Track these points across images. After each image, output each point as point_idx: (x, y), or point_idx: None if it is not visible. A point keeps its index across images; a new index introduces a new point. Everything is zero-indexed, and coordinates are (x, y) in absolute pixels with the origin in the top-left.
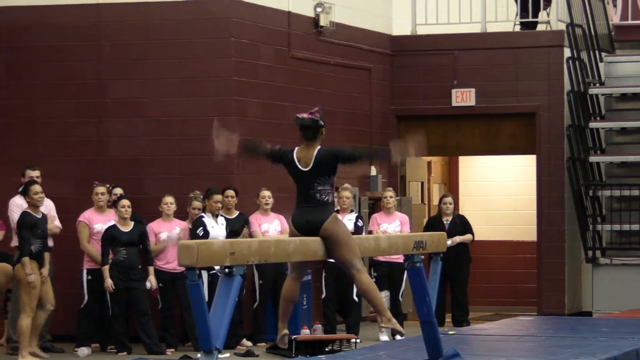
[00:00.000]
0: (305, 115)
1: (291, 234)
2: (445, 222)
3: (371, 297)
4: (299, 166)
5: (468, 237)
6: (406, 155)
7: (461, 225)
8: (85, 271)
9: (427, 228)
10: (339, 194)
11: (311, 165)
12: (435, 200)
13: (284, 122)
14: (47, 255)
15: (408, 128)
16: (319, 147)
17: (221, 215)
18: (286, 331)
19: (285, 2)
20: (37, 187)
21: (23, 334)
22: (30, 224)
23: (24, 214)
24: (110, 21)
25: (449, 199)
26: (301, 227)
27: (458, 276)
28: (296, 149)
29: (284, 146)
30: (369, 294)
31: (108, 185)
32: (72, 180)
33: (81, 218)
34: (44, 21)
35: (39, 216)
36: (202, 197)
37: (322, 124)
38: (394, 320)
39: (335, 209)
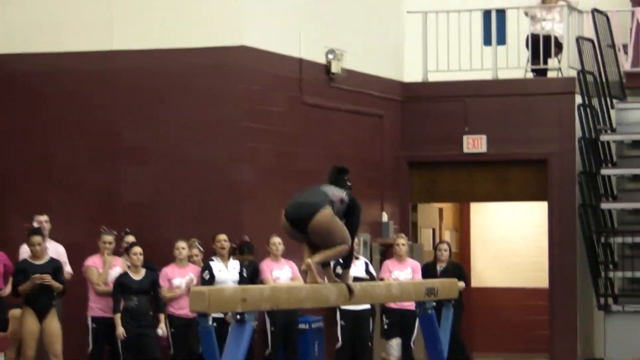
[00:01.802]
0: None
1: (283, 225)
2: (438, 268)
3: (332, 250)
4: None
5: (461, 284)
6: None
7: (454, 272)
8: (90, 318)
9: (423, 274)
10: None
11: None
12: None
13: (295, 169)
14: (53, 309)
15: (419, 174)
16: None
17: (234, 259)
18: (309, 260)
19: (297, 49)
20: (35, 239)
21: None
22: (21, 270)
23: (18, 262)
24: (123, 68)
25: (444, 245)
26: (292, 218)
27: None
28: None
29: None
30: (335, 249)
31: (115, 233)
32: (84, 225)
33: (88, 262)
34: (58, 68)
35: (38, 263)
36: (197, 242)
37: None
38: (313, 269)
39: None
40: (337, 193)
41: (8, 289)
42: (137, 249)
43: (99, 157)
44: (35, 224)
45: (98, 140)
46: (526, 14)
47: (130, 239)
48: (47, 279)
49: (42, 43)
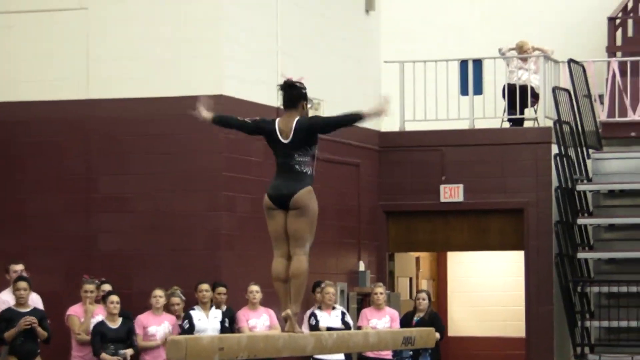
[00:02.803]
0: (291, 77)
1: (265, 207)
2: (415, 318)
3: (298, 284)
4: (280, 138)
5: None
6: (379, 113)
7: (430, 323)
8: None
9: (403, 323)
10: (322, 290)
11: (291, 136)
12: None
13: None
14: (38, 358)
15: (396, 223)
16: (297, 117)
17: (216, 309)
18: (288, 311)
19: (274, 98)
20: (21, 284)
21: None
22: (7, 319)
23: (3, 310)
24: (100, 116)
25: (423, 295)
26: (275, 198)
27: None
28: (277, 119)
29: (263, 117)
30: (298, 278)
31: (97, 282)
32: (60, 275)
33: (70, 312)
34: (34, 116)
35: (23, 311)
36: (179, 291)
37: (305, 92)
38: (292, 319)
39: (318, 305)
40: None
41: None
42: (114, 298)
43: (75, 205)
44: (13, 274)
45: (74, 189)
46: (502, 53)
47: (107, 287)
48: (35, 322)
49: (16, 91)
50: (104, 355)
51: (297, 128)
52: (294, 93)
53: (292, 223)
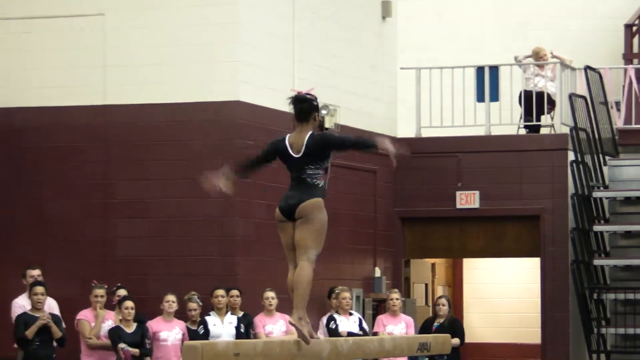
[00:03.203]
0: (301, 91)
1: (277, 220)
2: (435, 324)
3: (299, 289)
4: (291, 152)
5: (455, 341)
6: (394, 149)
7: (450, 328)
8: None
9: (423, 329)
10: (338, 295)
11: (302, 151)
12: None
13: None
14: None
15: (412, 230)
16: (310, 132)
17: (231, 314)
18: (290, 319)
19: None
20: (37, 289)
21: None
22: (23, 322)
23: (20, 314)
24: (117, 122)
25: (443, 300)
26: (284, 209)
27: None
28: (288, 135)
29: (272, 140)
30: (300, 285)
31: (106, 286)
32: (77, 280)
33: (79, 316)
34: (53, 122)
35: (39, 315)
36: (197, 297)
37: (316, 104)
38: (303, 322)
39: (335, 310)
40: None
41: None
42: (129, 303)
43: (92, 211)
44: (29, 279)
45: (92, 195)
46: (518, 61)
47: (122, 292)
48: (50, 319)
49: (34, 97)
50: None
51: (309, 143)
52: (304, 107)
53: (297, 232)
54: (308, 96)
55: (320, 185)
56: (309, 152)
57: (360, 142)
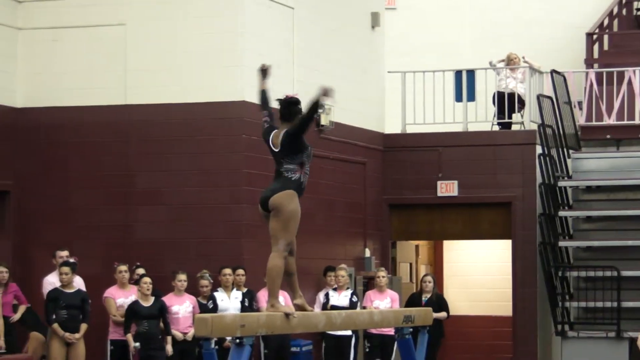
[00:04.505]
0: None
1: (260, 213)
2: (423, 298)
3: (268, 281)
4: (273, 148)
5: (442, 314)
6: (324, 92)
7: (437, 303)
8: (109, 342)
9: (409, 303)
10: (336, 273)
11: (279, 147)
12: None
13: None
14: (83, 326)
15: (398, 215)
16: (286, 129)
17: (237, 290)
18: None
19: None
20: (63, 269)
21: None
22: (53, 297)
23: (51, 290)
24: (137, 120)
25: (429, 278)
26: (261, 202)
27: (429, 349)
28: (274, 131)
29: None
30: (269, 276)
31: (128, 265)
32: (101, 261)
33: (106, 294)
34: (79, 120)
35: (68, 291)
36: (208, 274)
37: (300, 108)
38: (278, 305)
39: (333, 287)
40: None
41: (17, 316)
42: (147, 279)
43: (114, 199)
44: (59, 259)
45: (114, 185)
46: (492, 65)
47: (141, 271)
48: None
49: (62, 98)
50: (128, 336)
51: (283, 140)
52: (293, 109)
53: (270, 223)
54: (294, 99)
55: (293, 179)
56: (283, 148)
57: (306, 113)
